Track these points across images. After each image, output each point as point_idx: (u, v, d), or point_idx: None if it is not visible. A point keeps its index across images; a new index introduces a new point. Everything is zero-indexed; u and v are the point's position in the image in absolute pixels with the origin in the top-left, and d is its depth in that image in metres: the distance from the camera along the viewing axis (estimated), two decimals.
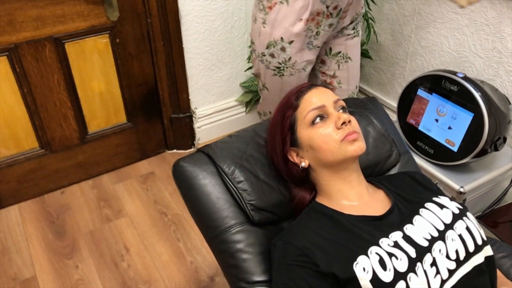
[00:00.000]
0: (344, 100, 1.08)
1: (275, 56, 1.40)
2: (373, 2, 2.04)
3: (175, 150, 2.26)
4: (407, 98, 1.66)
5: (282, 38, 1.36)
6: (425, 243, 0.82)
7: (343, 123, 0.90)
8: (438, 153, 1.57)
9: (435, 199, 0.92)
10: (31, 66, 1.72)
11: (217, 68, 2.16)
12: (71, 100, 1.86)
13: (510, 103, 1.54)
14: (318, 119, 0.92)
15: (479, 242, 0.86)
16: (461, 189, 1.49)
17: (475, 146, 1.45)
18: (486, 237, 0.90)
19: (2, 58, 1.65)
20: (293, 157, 0.97)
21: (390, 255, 0.79)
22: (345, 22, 1.45)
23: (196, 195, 1.01)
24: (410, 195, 0.95)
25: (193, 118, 2.20)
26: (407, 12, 1.93)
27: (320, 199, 0.96)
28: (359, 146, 0.90)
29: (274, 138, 0.99)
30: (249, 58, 2.20)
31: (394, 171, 1.17)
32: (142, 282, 1.60)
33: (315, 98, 0.94)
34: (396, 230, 0.84)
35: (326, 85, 1.58)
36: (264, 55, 1.42)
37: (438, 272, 0.80)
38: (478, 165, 1.59)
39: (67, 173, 2.00)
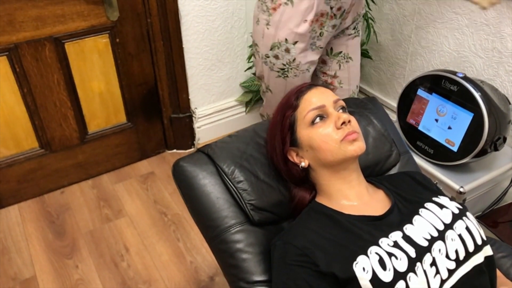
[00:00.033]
0: (344, 100, 1.08)
1: (279, 57, 1.39)
2: (373, 2, 2.04)
3: (175, 150, 2.26)
4: (407, 98, 1.66)
5: (286, 40, 1.36)
6: (424, 243, 0.82)
7: (343, 123, 0.90)
8: (438, 153, 1.57)
9: (435, 199, 0.92)
10: (31, 66, 1.72)
11: (217, 68, 2.16)
12: (71, 100, 1.86)
13: (510, 103, 1.54)
14: (318, 119, 0.92)
15: (479, 242, 0.86)
16: (461, 189, 1.49)
17: (475, 146, 1.45)
18: (486, 237, 0.90)
19: (2, 58, 1.65)
20: (293, 157, 0.97)
21: (390, 255, 0.79)
22: (346, 23, 1.45)
23: (196, 195, 1.01)
24: (410, 195, 0.95)
25: (193, 118, 2.20)
26: (407, 12, 1.93)
27: (320, 199, 0.96)
28: (358, 146, 0.90)
29: (274, 138, 0.99)
30: (249, 58, 2.20)
31: (394, 171, 1.17)
32: (142, 282, 1.60)
33: (315, 98, 0.94)
34: (396, 230, 0.84)
35: (327, 85, 1.59)
36: (268, 57, 1.41)
37: (437, 272, 0.80)
38: (478, 165, 1.59)
39: (67, 173, 2.01)
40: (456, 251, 0.83)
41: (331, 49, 1.52)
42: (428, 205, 0.90)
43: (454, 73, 1.51)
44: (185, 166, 1.04)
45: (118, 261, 1.68)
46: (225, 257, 0.98)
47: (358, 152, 0.90)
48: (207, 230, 1.01)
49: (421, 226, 0.85)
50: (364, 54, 2.14)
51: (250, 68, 2.24)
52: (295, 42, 1.36)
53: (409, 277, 0.77)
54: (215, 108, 2.26)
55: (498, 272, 0.94)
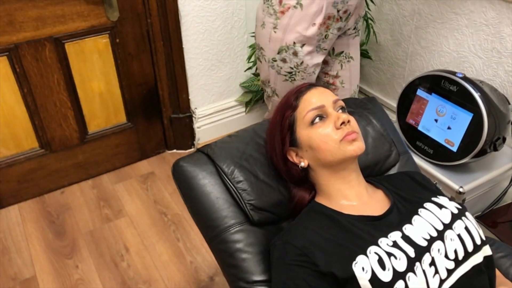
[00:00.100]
0: (343, 100, 1.09)
1: (286, 61, 1.39)
2: (373, 2, 2.04)
3: (175, 150, 2.26)
4: (407, 98, 1.66)
5: (294, 43, 1.35)
6: (424, 243, 0.82)
7: (342, 123, 0.90)
8: (437, 153, 1.57)
9: (434, 199, 0.92)
10: (31, 66, 1.72)
11: (217, 68, 2.17)
12: (71, 100, 1.86)
13: (509, 103, 1.54)
14: (317, 119, 0.92)
15: (478, 242, 0.86)
16: (461, 189, 1.49)
17: (475, 146, 1.45)
18: (485, 237, 0.90)
19: (2, 58, 1.66)
20: (293, 157, 0.97)
21: (389, 254, 0.80)
22: (349, 25, 1.46)
23: (195, 195, 1.02)
24: (409, 195, 0.95)
25: (193, 118, 2.20)
26: (406, 13, 1.93)
27: (320, 199, 0.96)
28: (358, 146, 0.90)
29: (273, 138, 1.00)
30: (249, 58, 2.20)
31: (393, 171, 1.17)
32: (142, 282, 1.60)
33: (315, 98, 0.94)
34: (395, 230, 0.84)
35: (328, 85, 1.59)
36: (275, 61, 1.41)
37: (437, 271, 0.80)
38: (478, 165, 1.59)
39: (67, 173, 2.01)
40: (455, 251, 0.83)
41: (333, 49, 1.52)
42: (427, 205, 0.90)
43: (454, 73, 1.51)
44: (185, 166, 1.04)
45: (118, 261, 1.68)
46: (225, 257, 0.98)
47: (357, 152, 0.90)
48: (207, 230, 1.01)
49: (420, 226, 0.85)
50: (364, 54, 2.15)
51: (250, 68, 2.24)
52: (303, 45, 1.36)
53: (408, 277, 0.78)
54: (215, 108, 2.26)
55: (497, 272, 0.94)
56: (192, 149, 2.27)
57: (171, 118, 2.15)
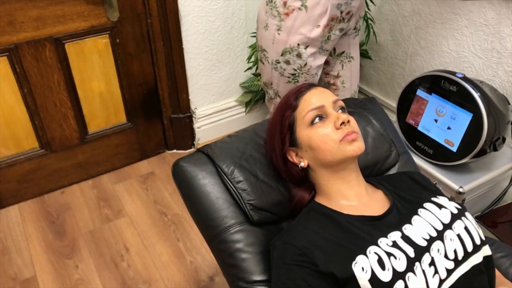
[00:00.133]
0: (343, 100, 1.09)
1: (290, 62, 1.39)
2: (373, 3, 2.04)
3: (175, 150, 2.26)
4: (407, 99, 1.66)
5: (298, 45, 1.35)
6: (423, 243, 0.82)
7: (342, 123, 0.90)
8: (437, 153, 1.57)
9: (433, 199, 0.92)
10: (31, 66, 1.72)
11: (217, 68, 2.17)
12: (71, 100, 1.87)
13: (509, 103, 1.55)
14: (317, 119, 0.92)
15: (478, 242, 0.86)
16: (460, 189, 1.49)
17: (474, 146, 1.45)
18: (485, 237, 0.90)
19: (2, 58, 1.66)
20: (292, 157, 0.97)
21: (389, 254, 0.80)
22: (350, 26, 1.46)
23: (195, 195, 1.02)
24: (409, 195, 0.95)
25: (193, 118, 2.20)
26: (406, 13, 1.93)
27: (319, 199, 0.96)
28: (358, 146, 0.90)
29: (273, 138, 1.00)
30: (249, 58, 2.20)
31: (393, 171, 1.17)
32: (142, 282, 1.61)
33: (314, 99, 0.94)
34: (395, 230, 0.84)
35: (329, 85, 1.60)
36: (279, 62, 1.41)
37: (436, 271, 0.80)
38: (477, 165, 1.59)
39: (67, 173, 2.01)
40: (455, 251, 0.83)
41: (334, 49, 1.52)
42: (427, 205, 0.90)
43: (454, 73, 1.51)
44: (185, 166, 1.04)
45: (118, 261, 1.68)
46: (225, 257, 0.98)
47: (357, 152, 0.90)
48: (207, 230, 1.01)
49: (420, 226, 0.85)
50: (364, 54, 2.15)
51: (250, 68, 2.24)
52: (306, 47, 1.36)
53: (408, 276, 0.78)
54: (215, 108, 2.26)
55: (497, 272, 0.94)
56: (192, 149, 2.27)
57: (171, 118, 2.16)
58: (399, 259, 0.79)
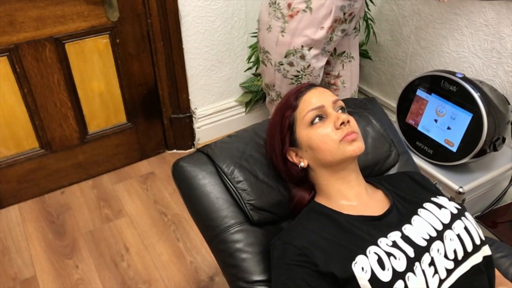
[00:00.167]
0: (343, 100, 1.09)
1: (293, 64, 1.39)
2: (373, 3, 2.04)
3: (175, 150, 2.26)
4: (407, 99, 1.66)
5: (302, 46, 1.35)
6: (423, 243, 0.82)
7: (342, 123, 0.90)
8: (437, 153, 1.57)
9: (433, 199, 0.92)
10: (32, 66, 1.72)
11: (217, 69, 2.17)
12: (71, 100, 1.87)
13: (509, 104, 1.55)
14: (317, 119, 0.92)
15: (477, 242, 0.86)
16: (460, 189, 1.49)
17: (474, 146, 1.45)
18: (485, 237, 0.90)
19: (2, 58, 1.66)
20: (292, 157, 0.97)
21: (389, 254, 0.80)
22: (351, 27, 1.47)
23: (195, 195, 1.02)
24: (408, 195, 0.96)
25: (193, 118, 2.20)
26: (406, 13, 1.93)
27: (319, 199, 0.96)
28: (358, 146, 0.90)
29: (273, 138, 1.00)
30: (249, 58, 2.20)
31: (393, 171, 1.17)
32: (142, 282, 1.61)
33: (314, 99, 0.94)
34: (395, 230, 0.85)
35: (330, 85, 1.60)
36: (282, 64, 1.40)
37: (436, 271, 0.80)
38: (477, 165, 1.59)
39: (67, 173, 2.01)
40: (455, 251, 0.83)
41: (335, 49, 1.53)
42: (427, 205, 0.90)
43: (454, 73, 1.51)
44: (185, 166, 1.04)
45: (118, 261, 1.68)
46: (225, 256, 0.98)
47: (357, 152, 0.90)
48: (207, 230, 1.01)
49: (420, 226, 0.85)
50: (364, 54, 2.15)
51: (250, 68, 2.24)
52: (310, 48, 1.36)
53: (408, 276, 0.78)
54: (215, 109, 2.27)
55: (497, 272, 0.94)
56: (192, 149, 2.27)
57: (171, 118, 2.16)
58: (399, 259, 0.79)
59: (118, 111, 2.01)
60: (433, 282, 0.79)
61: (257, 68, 2.22)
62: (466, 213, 0.90)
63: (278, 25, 1.35)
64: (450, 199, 0.94)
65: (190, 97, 2.15)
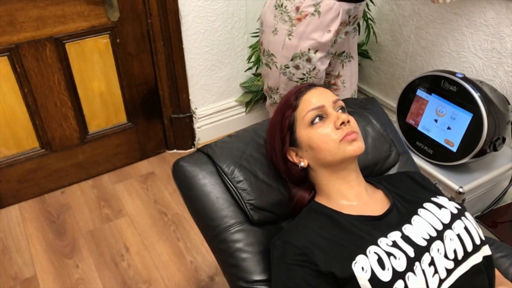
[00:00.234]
0: (343, 100, 1.09)
1: (299, 67, 1.38)
2: (373, 2, 2.04)
3: (175, 150, 2.26)
4: (407, 99, 1.66)
5: (309, 49, 1.35)
6: (423, 243, 0.82)
7: (342, 123, 0.90)
8: (437, 153, 1.57)
9: (433, 199, 0.92)
10: (32, 66, 1.72)
11: (217, 69, 2.17)
12: (72, 100, 1.87)
13: (509, 104, 1.55)
14: (317, 119, 0.92)
15: (477, 241, 0.86)
16: (460, 189, 1.49)
17: (474, 146, 1.45)
18: (485, 237, 0.91)
19: (2, 58, 1.66)
20: (292, 157, 0.97)
21: (389, 254, 0.80)
22: (352, 27, 1.47)
23: (195, 195, 1.02)
24: (409, 195, 0.96)
25: (193, 118, 2.21)
26: (406, 13, 1.93)
27: (319, 199, 0.96)
28: (358, 146, 0.90)
29: (273, 138, 1.00)
30: (249, 58, 2.20)
31: (393, 171, 1.18)
32: (142, 282, 1.61)
33: (315, 99, 0.94)
34: (395, 230, 0.85)
35: (330, 85, 1.60)
36: (288, 67, 1.40)
37: (436, 271, 0.80)
38: (477, 165, 1.59)
39: (67, 173, 2.01)
40: (455, 251, 0.83)
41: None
42: (427, 205, 0.91)
43: (454, 73, 1.51)
44: (185, 166, 1.04)
45: (118, 260, 1.68)
46: (225, 256, 0.98)
47: (357, 152, 0.90)
48: (207, 229, 1.01)
49: (420, 226, 0.85)
50: (364, 54, 2.15)
51: (250, 68, 2.24)
52: (316, 51, 1.36)
53: (408, 276, 0.78)
54: (215, 109, 2.27)
55: (497, 272, 0.94)
56: (192, 149, 2.27)
57: (171, 118, 2.16)
58: (399, 259, 0.79)
59: (118, 111, 2.02)
60: (433, 282, 0.79)
61: (257, 68, 2.22)
62: (466, 213, 0.90)
63: (285, 28, 1.34)
64: (450, 199, 0.94)
65: (190, 97, 2.15)
